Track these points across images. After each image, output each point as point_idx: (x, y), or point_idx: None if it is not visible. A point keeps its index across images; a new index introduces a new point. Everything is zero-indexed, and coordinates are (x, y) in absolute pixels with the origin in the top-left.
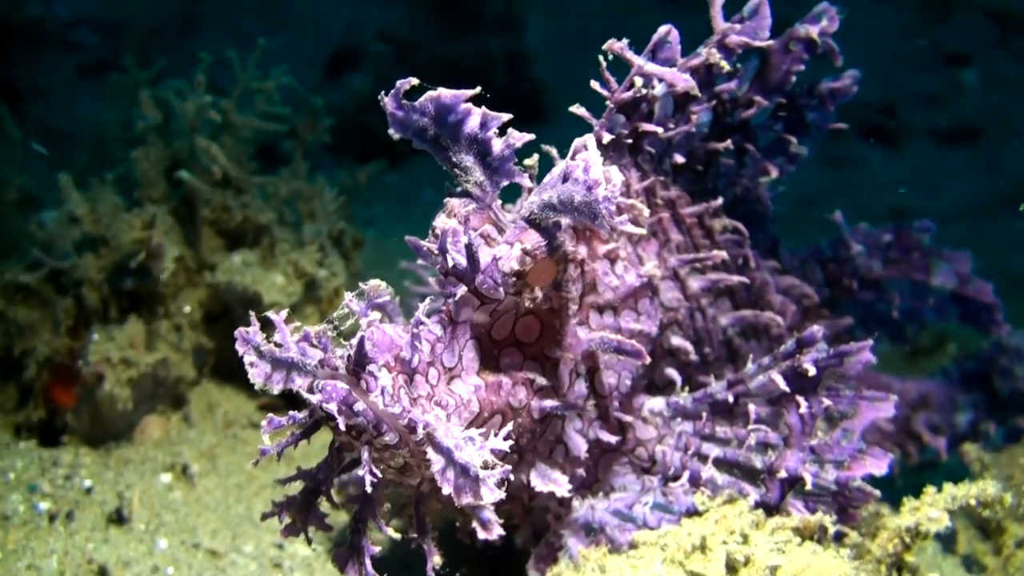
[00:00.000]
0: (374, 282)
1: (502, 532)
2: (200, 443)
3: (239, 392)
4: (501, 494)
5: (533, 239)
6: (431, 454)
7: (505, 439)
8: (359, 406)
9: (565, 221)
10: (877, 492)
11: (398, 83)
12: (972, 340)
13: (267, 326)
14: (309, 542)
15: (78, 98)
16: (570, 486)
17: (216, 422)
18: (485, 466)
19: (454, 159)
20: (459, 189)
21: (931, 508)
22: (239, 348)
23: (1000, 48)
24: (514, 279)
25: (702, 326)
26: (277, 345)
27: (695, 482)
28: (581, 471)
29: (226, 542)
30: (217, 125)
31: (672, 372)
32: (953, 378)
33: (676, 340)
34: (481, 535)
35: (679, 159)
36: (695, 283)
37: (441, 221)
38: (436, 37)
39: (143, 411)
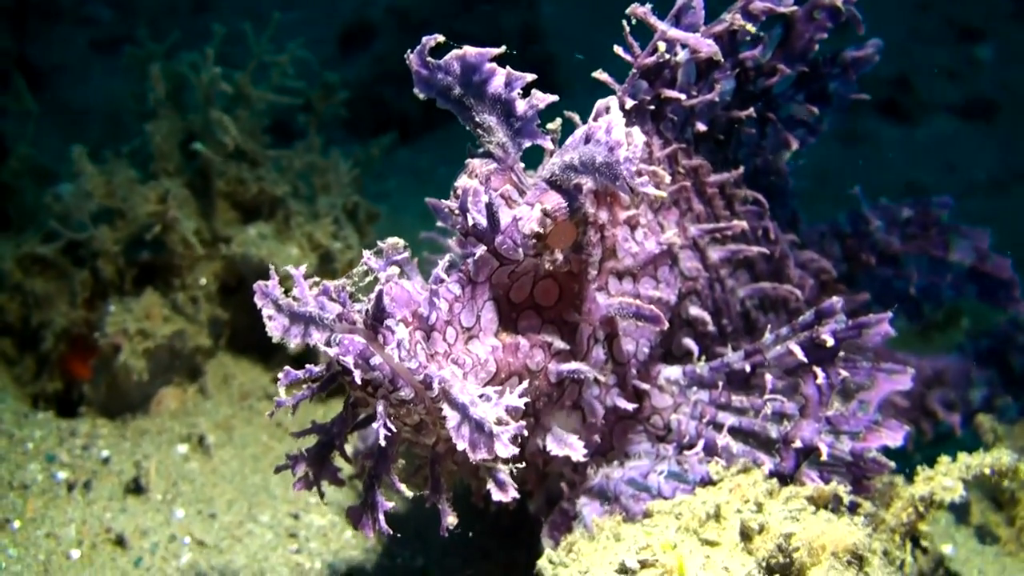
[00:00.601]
0: (392, 240)
1: (517, 495)
2: (216, 414)
3: (255, 364)
4: (515, 450)
5: (554, 200)
6: (446, 410)
7: (520, 398)
8: (376, 360)
9: (586, 183)
10: (892, 464)
11: (424, 39)
12: (986, 315)
13: (286, 283)
14: (322, 496)
15: (91, 73)
16: (586, 451)
17: (232, 394)
18: (499, 422)
19: (477, 119)
20: (481, 150)
21: (945, 477)
22: (258, 301)
23: (1015, 22)
24: (534, 241)
25: (720, 297)
26: (295, 299)
27: (710, 450)
28: (597, 438)
29: (242, 512)
30: (231, 98)
31: (689, 342)
32: (968, 354)
33: (694, 310)
34: (496, 496)
35: (701, 127)
36: (715, 253)
37: (463, 181)
38: (449, 12)
39: (159, 383)
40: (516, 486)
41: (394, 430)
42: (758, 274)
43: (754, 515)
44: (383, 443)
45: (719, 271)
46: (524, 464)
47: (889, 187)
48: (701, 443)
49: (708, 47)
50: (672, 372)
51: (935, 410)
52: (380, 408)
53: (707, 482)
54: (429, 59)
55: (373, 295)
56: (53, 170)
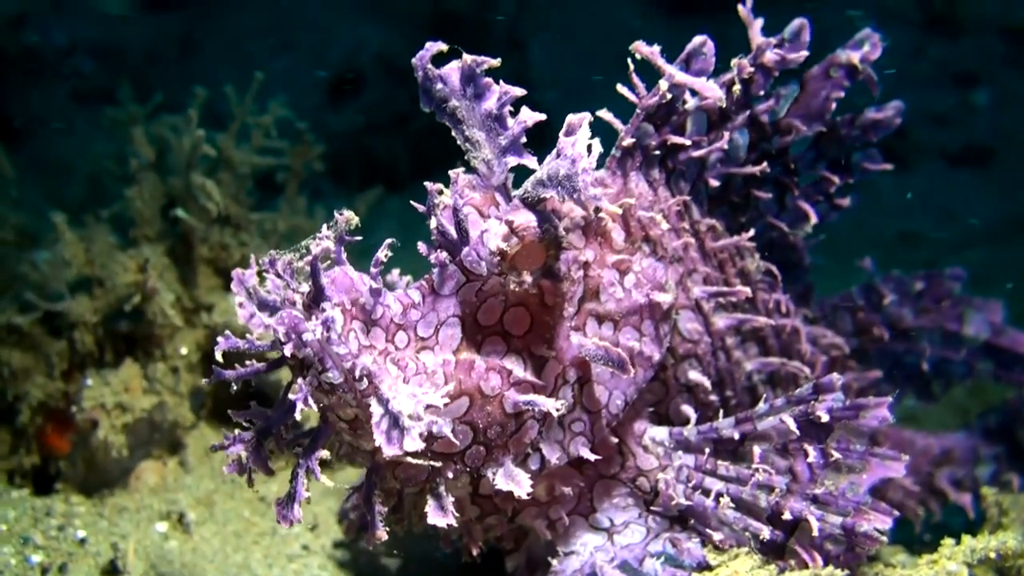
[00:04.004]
0: (347, 213)
1: (454, 521)
2: (197, 489)
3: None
4: (421, 444)
5: (523, 218)
6: (373, 405)
7: (465, 422)
8: (308, 336)
9: (551, 196)
10: (884, 539)
11: (427, 45)
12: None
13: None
14: (251, 484)
15: (74, 126)
16: (530, 489)
17: (214, 467)
18: (414, 417)
19: (467, 132)
20: (470, 165)
21: (950, 561)
22: (233, 288)
23: (1010, 67)
24: (498, 257)
25: (725, 367)
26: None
27: (701, 518)
28: (567, 489)
29: None
30: (214, 161)
31: (688, 408)
32: (975, 431)
33: (693, 374)
34: (431, 518)
35: (714, 183)
36: (721, 320)
37: (444, 192)
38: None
39: (138, 456)
40: (456, 513)
41: (312, 406)
42: (768, 348)
43: None
44: (298, 416)
45: (725, 340)
46: (493, 511)
47: (885, 235)
48: (688, 505)
49: (713, 91)
50: (658, 433)
51: (944, 489)
52: (301, 382)
53: (704, 567)
54: (430, 67)
55: (311, 274)
56: (33, 233)
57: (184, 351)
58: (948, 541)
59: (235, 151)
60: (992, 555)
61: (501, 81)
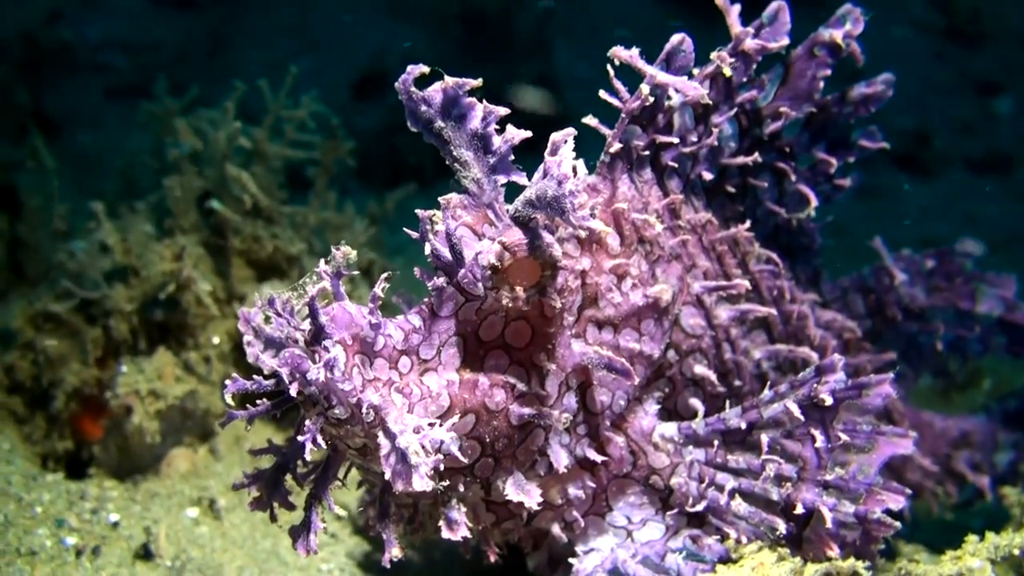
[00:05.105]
0: (345, 248)
1: (468, 534)
2: (227, 476)
3: (267, 424)
4: (430, 484)
5: (514, 236)
6: (380, 438)
7: (472, 438)
8: (312, 375)
9: (541, 216)
10: (897, 524)
11: (409, 68)
12: (1009, 376)
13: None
14: (274, 519)
15: (106, 121)
16: (540, 499)
17: (243, 455)
18: (422, 452)
19: (455, 153)
20: (460, 185)
21: (973, 558)
22: (240, 327)
23: None
24: (490, 273)
25: (731, 357)
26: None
27: (716, 513)
28: (580, 492)
29: None
30: (248, 154)
31: (695, 402)
32: (995, 416)
33: (699, 369)
34: (444, 534)
35: (707, 175)
36: (723, 312)
37: (437, 216)
38: (464, 62)
39: (170, 443)
40: (470, 524)
41: (323, 445)
42: (776, 335)
43: None
44: (307, 455)
45: (729, 331)
46: (508, 516)
47: (907, 242)
48: (703, 504)
49: (694, 90)
50: (667, 429)
51: (962, 472)
52: (308, 422)
53: (726, 560)
54: (413, 90)
55: (312, 315)
56: (69, 223)
57: (216, 340)
58: (972, 538)
59: (269, 145)
60: (1016, 552)
61: (484, 100)
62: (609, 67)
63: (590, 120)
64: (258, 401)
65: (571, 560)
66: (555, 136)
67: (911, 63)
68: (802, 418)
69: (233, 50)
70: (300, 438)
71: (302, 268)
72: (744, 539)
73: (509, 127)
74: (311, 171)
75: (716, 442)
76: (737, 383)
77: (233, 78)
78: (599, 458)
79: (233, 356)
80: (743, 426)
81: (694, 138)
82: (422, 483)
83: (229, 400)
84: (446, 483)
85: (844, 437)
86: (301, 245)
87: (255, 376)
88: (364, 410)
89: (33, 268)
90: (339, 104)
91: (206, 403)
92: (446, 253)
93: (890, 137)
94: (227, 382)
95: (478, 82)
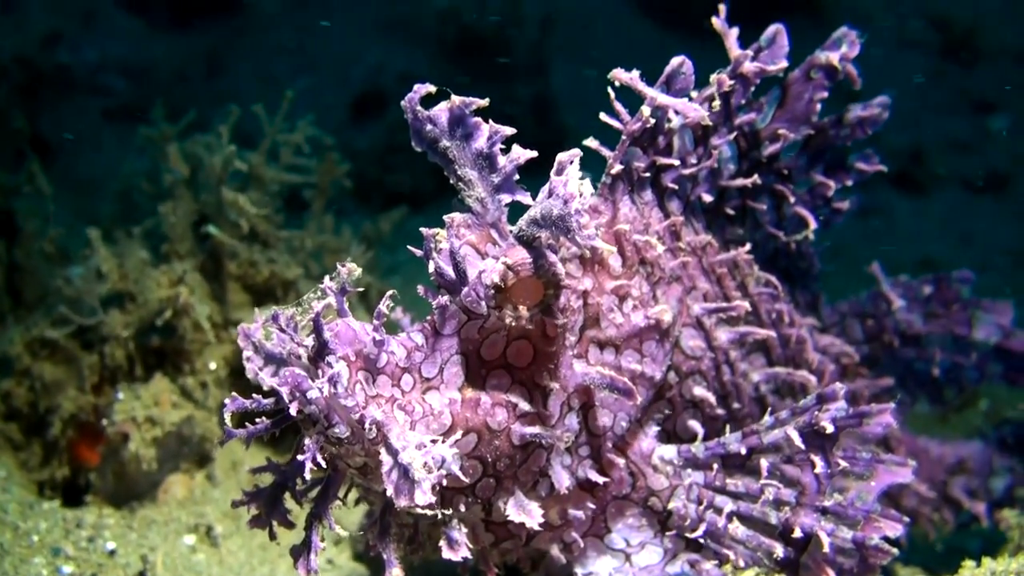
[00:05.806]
0: (350, 265)
1: (468, 554)
2: (224, 502)
3: (263, 450)
4: (432, 498)
5: (518, 255)
6: (382, 454)
7: (474, 457)
8: (312, 394)
9: (545, 236)
10: (895, 551)
11: (415, 87)
12: (1006, 397)
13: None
14: (272, 537)
15: (103, 143)
16: (541, 519)
17: (240, 480)
18: (424, 469)
19: (459, 172)
20: (464, 204)
21: None
22: (240, 343)
23: None
24: (493, 292)
25: (730, 380)
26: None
27: (714, 536)
28: (579, 513)
29: None
30: (244, 178)
31: (695, 424)
32: (991, 441)
33: (698, 390)
34: (445, 554)
35: (706, 197)
36: (723, 335)
37: (441, 235)
38: (461, 82)
39: (167, 469)
40: (470, 544)
41: (323, 465)
42: (774, 359)
43: None
44: (307, 475)
45: (728, 353)
46: (507, 536)
47: (902, 261)
48: (703, 527)
49: (695, 112)
50: (666, 451)
51: (958, 498)
52: (308, 441)
53: None
54: (419, 109)
55: (315, 330)
56: (65, 248)
57: (213, 366)
58: (969, 563)
59: (266, 169)
60: None
61: (491, 120)
62: (609, 89)
63: (591, 142)
64: (257, 420)
65: None
66: (561, 156)
67: (907, 82)
68: (803, 446)
69: (231, 71)
70: (300, 457)
71: (298, 293)
72: (742, 563)
73: (515, 147)
74: (307, 193)
75: (716, 465)
76: (736, 405)
77: (231, 100)
78: (601, 479)
79: (230, 381)
80: (743, 451)
81: (694, 160)
82: (424, 498)
83: (228, 420)
84: (448, 507)
85: (844, 464)
86: (298, 270)
87: (254, 395)
88: (367, 426)
89: (31, 293)
90: (336, 124)
91: (203, 429)
92: (450, 272)
93: (885, 155)
94: (227, 401)
95: (485, 102)
